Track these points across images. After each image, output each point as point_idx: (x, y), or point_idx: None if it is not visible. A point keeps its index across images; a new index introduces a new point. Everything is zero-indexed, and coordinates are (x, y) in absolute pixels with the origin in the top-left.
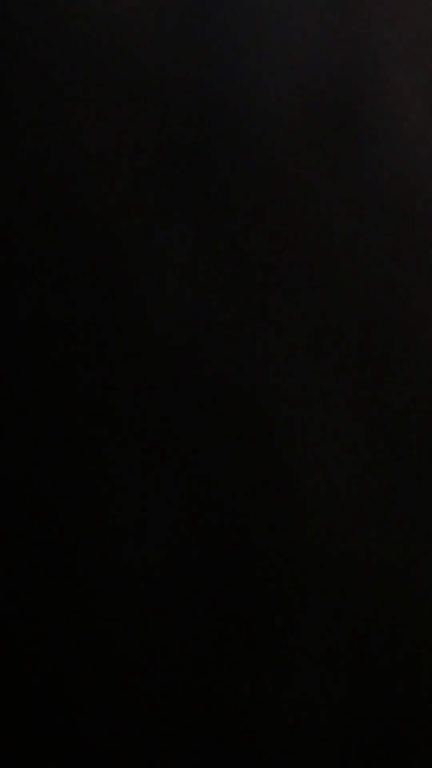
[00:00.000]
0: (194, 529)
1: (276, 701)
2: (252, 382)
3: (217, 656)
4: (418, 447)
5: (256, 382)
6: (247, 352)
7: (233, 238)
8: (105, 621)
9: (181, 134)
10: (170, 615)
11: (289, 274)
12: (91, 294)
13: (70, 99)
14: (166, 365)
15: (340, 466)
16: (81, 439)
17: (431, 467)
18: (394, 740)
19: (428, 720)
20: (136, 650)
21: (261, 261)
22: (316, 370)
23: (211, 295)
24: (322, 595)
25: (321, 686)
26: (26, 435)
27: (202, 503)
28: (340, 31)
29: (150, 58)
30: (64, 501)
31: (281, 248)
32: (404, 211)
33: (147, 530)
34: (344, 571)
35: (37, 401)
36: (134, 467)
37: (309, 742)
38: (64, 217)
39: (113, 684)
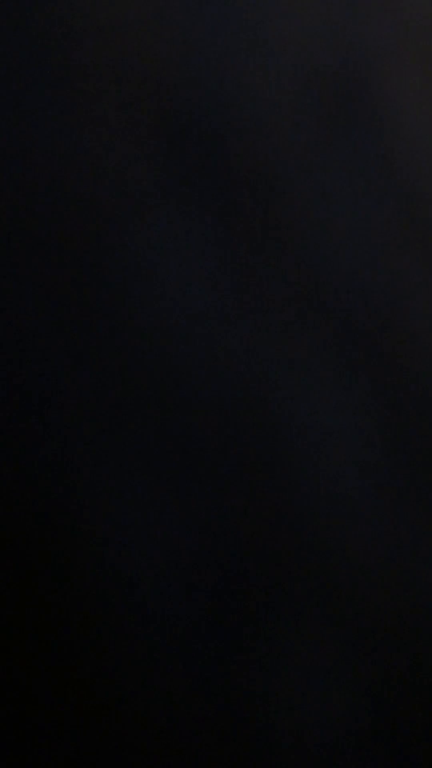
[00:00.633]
0: (197, 527)
1: (277, 699)
2: (253, 373)
3: (219, 654)
4: (423, 442)
5: (257, 373)
6: (249, 342)
7: (234, 229)
8: (107, 619)
9: (181, 122)
10: (172, 613)
11: (290, 264)
12: (88, 282)
13: (69, 81)
14: (164, 355)
15: (345, 460)
16: (80, 432)
17: None
18: (396, 738)
19: (429, 716)
20: (138, 649)
21: (262, 252)
22: (320, 361)
23: (211, 285)
24: (325, 591)
25: (322, 683)
26: (27, 429)
27: (204, 500)
28: (340, 21)
29: (150, 47)
30: (65, 500)
31: (282, 237)
32: (405, 202)
33: (150, 529)
34: (348, 567)
35: (37, 393)
36: (133, 464)
37: (310, 739)
38: (62, 204)
39: (116, 680)
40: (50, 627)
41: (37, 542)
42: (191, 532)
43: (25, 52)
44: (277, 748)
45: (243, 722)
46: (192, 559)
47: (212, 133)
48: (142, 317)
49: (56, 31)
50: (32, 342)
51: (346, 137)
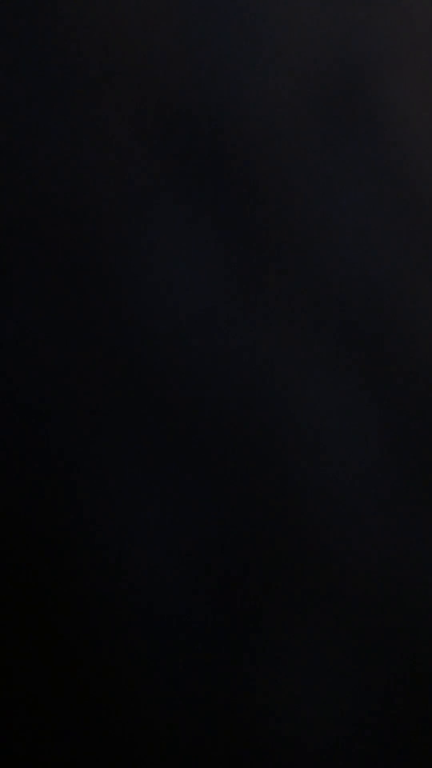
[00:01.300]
0: (198, 527)
1: (278, 698)
2: (254, 372)
3: (220, 654)
4: (423, 442)
5: (258, 373)
6: (250, 342)
7: (235, 229)
8: (107, 617)
9: (183, 121)
10: (173, 613)
11: (292, 264)
12: (90, 282)
13: (71, 82)
14: (165, 354)
15: (346, 459)
16: (81, 431)
17: None
18: (398, 738)
19: (429, 711)
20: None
21: (263, 251)
22: (321, 361)
23: (212, 284)
24: (326, 591)
25: (323, 682)
26: (28, 428)
27: (205, 499)
28: (341, 23)
29: (151, 47)
30: (66, 499)
31: (283, 237)
32: (406, 202)
33: (151, 528)
34: (350, 566)
35: (38, 391)
36: (134, 462)
37: (312, 738)
38: (64, 203)
39: (116, 680)
40: (51, 625)
41: (38, 540)
42: (192, 532)
43: (26, 52)
44: (278, 748)
45: (244, 721)
46: (193, 560)
47: (214, 134)
48: (143, 316)
49: (58, 32)
50: (33, 341)
51: (348, 137)
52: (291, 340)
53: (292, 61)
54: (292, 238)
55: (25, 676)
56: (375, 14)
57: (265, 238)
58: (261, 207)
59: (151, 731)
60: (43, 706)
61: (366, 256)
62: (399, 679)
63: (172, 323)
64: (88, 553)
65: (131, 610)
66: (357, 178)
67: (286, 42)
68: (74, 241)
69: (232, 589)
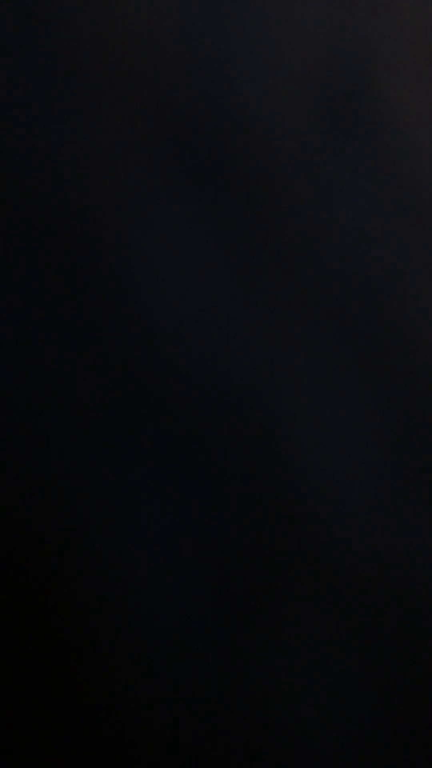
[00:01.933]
0: (197, 525)
1: (278, 696)
2: (251, 367)
3: (219, 652)
4: (423, 440)
5: (257, 372)
6: (249, 341)
7: (234, 228)
8: (105, 617)
9: (182, 121)
10: (171, 611)
11: (291, 263)
12: (89, 280)
13: (70, 81)
14: (164, 353)
15: (345, 458)
16: (80, 430)
17: None
18: (397, 735)
19: (429, 707)
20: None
21: (262, 250)
22: (320, 359)
23: (211, 283)
24: (326, 590)
25: (323, 680)
26: (27, 428)
27: (204, 497)
28: (339, 23)
29: (151, 48)
30: (65, 499)
31: (282, 237)
32: (405, 202)
33: (150, 526)
34: (349, 564)
35: (36, 390)
36: (133, 461)
37: (311, 736)
38: (63, 202)
39: (114, 681)
40: (49, 623)
41: (37, 540)
42: (191, 531)
43: (25, 54)
44: (278, 745)
45: (244, 719)
46: (192, 558)
47: (213, 133)
48: (142, 315)
49: (57, 33)
50: (32, 340)
51: (348, 138)
52: (291, 339)
53: (292, 62)
54: (291, 238)
55: (23, 675)
56: (376, 16)
57: (265, 238)
58: (261, 207)
59: (150, 729)
60: (41, 703)
61: (366, 257)
62: (399, 676)
63: (172, 322)
64: (87, 552)
65: (130, 608)
66: (357, 179)
67: (286, 43)
68: (74, 240)
69: (231, 588)
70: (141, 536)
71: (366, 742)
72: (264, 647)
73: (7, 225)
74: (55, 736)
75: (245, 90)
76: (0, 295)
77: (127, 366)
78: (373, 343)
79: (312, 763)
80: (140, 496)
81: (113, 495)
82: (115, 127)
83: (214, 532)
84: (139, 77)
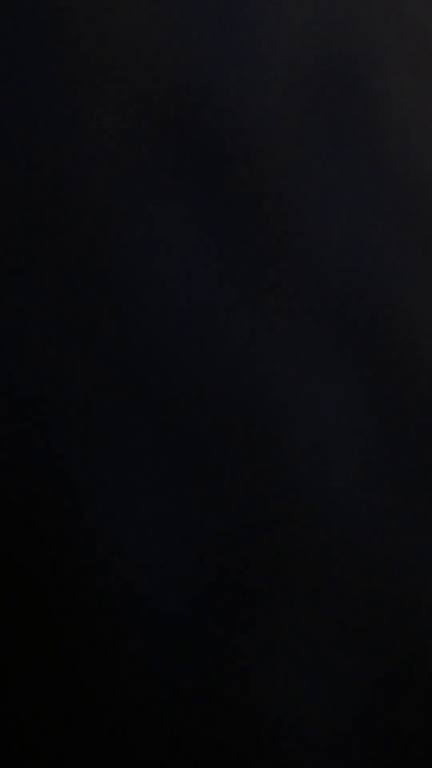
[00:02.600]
0: (192, 519)
1: (274, 690)
2: (250, 367)
3: (215, 646)
4: (421, 437)
5: (255, 368)
6: (247, 337)
7: (233, 224)
8: (101, 611)
9: (180, 116)
10: (167, 604)
11: (290, 260)
12: (86, 276)
13: (68, 77)
14: (162, 348)
15: (343, 453)
16: (76, 424)
17: None
18: (395, 730)
19: (428, 703)
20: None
21: (261, 247)
22: (318, 356)
23: (209, 279)
24: (322, 584)
25: (320, 674)
26: (23, 422)
27: (200, 491)
28: (337, 16)
29: (148, 42)
30: (61, 490)
31: (281, 233)
32: (405, 198)
33: (145, 519)
34: (346, 558)
35: (33, 384)
36: (129, 454)
37: (308, 730)
38: (61, 197)
39: (111, 675)
40: (47, 624)
41: (35, 539)
42: (190, 530)
43: (23, 48)
44: (276, 741)
45: (241, 714)
46: (190, 555)
47: (211, 128)
48: (142, 313)
49: (55, 27)
50: (32, 338)
51: (346, 132)
52: (290, 339)
53: (291, 55)
54: (291, 236)
55: (22, 676)
56: (374, 12)
57: (264, 236)
58: (260, 205)
59: (148, 727)
60: (39, 702)
61: (366, 255)
62: (396, 675)
63: (172, 321)
64: (86, 551)
65: (128, 607)
66: (357, 176)
67: (285, 35)
68: (72, 238)
69: (230, 587)
70: (140, 535)
71: (362, 739)
72: (262, 646)
73: (4, 224)
74: (53, 736)
75: (244, 88)
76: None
77: (126, 365)
78: (372, 343)
79: (310, 756)
80: (139, 496)
81: (112, 494)
82: (113, 126)
83: (213, 532)
84: (137, 75)
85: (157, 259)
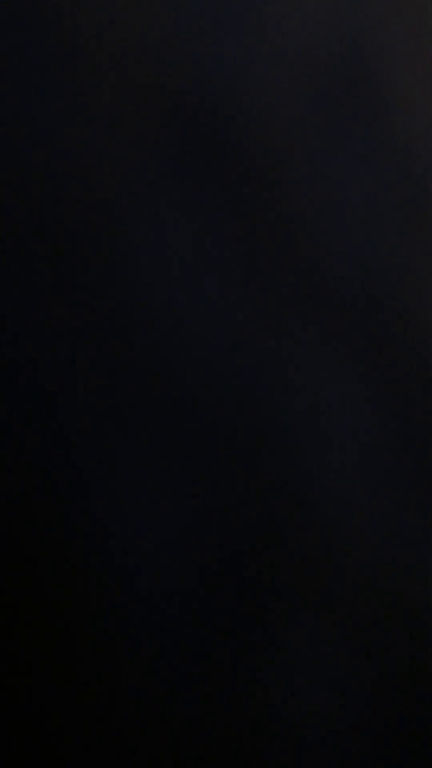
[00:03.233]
0: (195, 517)
1: (274, 690)
2: (252, 366)
3: (216, 644)
4: (424, 434)
5: (256, 367)
6: (251, 333)
7: (238, 220)
8: (103, 607)
9: (186, 111)
10: (169, 602)
11: (295, 255)
12: (90, 274)
13: (71, 75)
14: (165, 345)
15: (346, 450)
16: (79, 421)
17: None
18: (395, 732)
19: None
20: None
21: (266, 241)
22: (322, 352)
23: (214, 275)
24: (325, 582)
25: (320, 674)
26: (27, 420)
27: (203, 489)
28: (343, 10)
29: (152, 37)
30: (64, 488)
31: (287, 228)
32: (412, 191)
33: (148, 516)
34: (348, 557)
35: (37, 382)
36: (132, 450)
37: (307, 730)
38: (65, 195)
39: (111, 672)
40: (50, 625)
41: (37, 540)
42: (189, 522)
43: (25, 47)
44: (278, 742)
45: (244, 714)
46: (190, 550)
47: (217, 123)
48: (144, 312)
49: (58, 27)
50: (35, 339)
51: (352, 126)
52: (294, 336)
53: (295, 51)
54: (295, 227)
55: (24, 677)
56: (381, 4)
57: (269, 231)
58: (266, 200)
59: (151, 727)
60: (41, 702)
61: (369, 253)
62: (401, 673)
63: (174, 320)
64: (87, 552)
65: (130, 608)
66: (360, 173)
67: (289, 33)
68: (75, 237)
69: (232, 583)
70: (142, 536)
71: (362, 739)
72: (265, 641)
73: (7, 224)
74: (56, 735)
75: (248, 80)
76: (1, 294)
77: (127, 365)
78: (377, 339)
79: (312, 757)
80: (141, 495)
81: (114, 495)
82: (117, 123)
83: (215, 531)
84: (141, 70)
85: (158, 260)
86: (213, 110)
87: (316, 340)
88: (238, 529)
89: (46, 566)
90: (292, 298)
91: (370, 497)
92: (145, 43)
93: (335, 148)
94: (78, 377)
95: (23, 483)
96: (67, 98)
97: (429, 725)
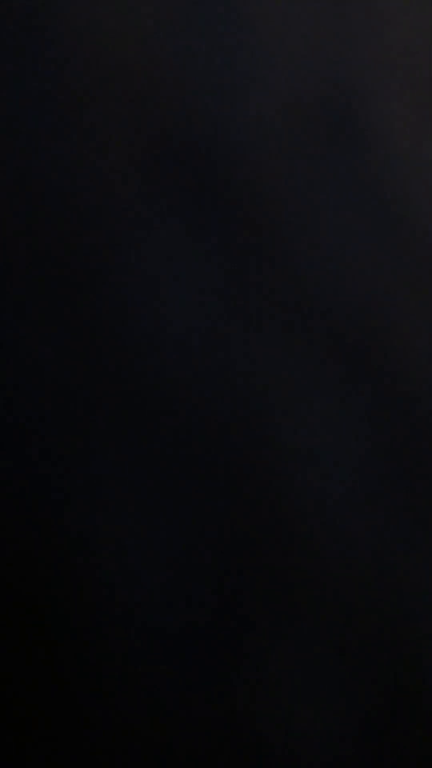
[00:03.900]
0: (193, 538)
1: (272, 710)
2: (246, 382)
3: (214, 666)
4: (416, 453)
5: (250, 382)
6: (243, 357)
7: (228, 246)
8: (109, 619)
9: (177, 141)
10: (167, 624)
11: (283, 280)
12: (86, 298)
13: (70, 94)
14: (161, 368)
15: (339, 471)
16: (78, 442)
17: (428, 460)
18: (391, 749)
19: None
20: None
21: (256, 267)
22: (313, 374)
23: (206, 300)
24: (323, 603)
25: (318, 694)
26: (26, 438)
27: (201, 509)
28: (328, 46)
29: (145, 68)
30: (62, 510)
31: (275, 255)
32: (393, 221)
33: (146, 538)
34: (345, 578)
35: (36, 403)
36: (130, 472)
37: (305, 750)
38: (60, 219)
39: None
40: (49, 633)
41: (36, 548)
42: (187, 543)
43: (20, 72)
44: (271, 760)
45: (236, 732)
46: (188, 571)
47: (206, 153)
48: (139, 331)
49: (53, 53)
50: (34, 354)
51: (335, 158)
52: (284, 355)
53: (284, 86)
54: (283, 255)
55: (24, 682)
56: (365, 40)
57: (257, 254)
58: (254, 228)
59: (149, 738)
60: (41, 709)
61: (357, 276)
62: (396, 688)
63: (169, 338)
64: (86, 562)
65: (129, 618)
66: (348, 200)
67: (278, 67)
68: (71, 259)
69: (229, 599)
70: (141, 546)
71: (360, 757)
72: (260, 655)
73: (3, 245)
74: (56, 743)
75: (238, 112)
76: (1, 313)
77: (125, 380)
78: (365, 359)
79: None
80: (140, 507)
81: (113, 506)
82: (110, 149)
83: (213, 544)
84: (133, 100)
85: (154, 277)
86: (204, 144)
87: (310, 358)
88: (234, 547)
89: (44, 580)
90: (284, 322)
91: (366, 514)
92: (139, 78)
93: (318, 181)
94: (75, 394)
95: (22, 493)
96: (66, 122)
97: (428, 743)
